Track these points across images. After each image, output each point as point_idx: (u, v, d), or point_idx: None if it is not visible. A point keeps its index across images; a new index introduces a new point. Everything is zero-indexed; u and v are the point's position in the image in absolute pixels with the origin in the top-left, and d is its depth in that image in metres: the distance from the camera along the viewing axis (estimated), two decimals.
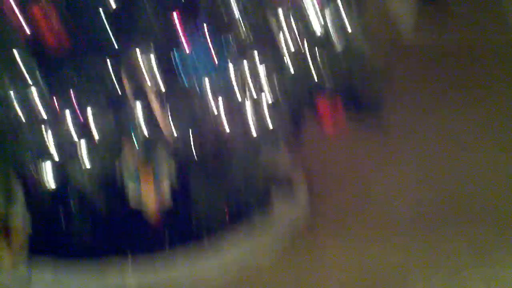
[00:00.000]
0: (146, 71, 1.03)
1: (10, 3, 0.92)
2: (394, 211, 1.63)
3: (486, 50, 2.64)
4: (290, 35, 1.18)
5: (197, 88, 1.11)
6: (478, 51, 2.64)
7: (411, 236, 1.53)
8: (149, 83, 1.03)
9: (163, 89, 1.05)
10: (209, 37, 1.10)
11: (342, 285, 1.38)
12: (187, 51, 1.08)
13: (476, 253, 1.47)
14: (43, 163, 1.02)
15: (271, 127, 1.19)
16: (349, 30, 1.23)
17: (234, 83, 1.15)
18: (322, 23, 1.20)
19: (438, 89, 2.32)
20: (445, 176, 1.77)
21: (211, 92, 1.12)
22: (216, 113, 1.14)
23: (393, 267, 1.43)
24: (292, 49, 1.18)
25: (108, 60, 1.00)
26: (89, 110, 1.02)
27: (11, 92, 0.97)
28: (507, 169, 1.81)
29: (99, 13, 0.97)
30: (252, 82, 1.15)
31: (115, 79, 1.02)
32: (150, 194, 1.24)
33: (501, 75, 2.38)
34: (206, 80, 1.11)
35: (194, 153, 1.14)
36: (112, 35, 0.98)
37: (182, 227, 1.39)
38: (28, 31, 0.94)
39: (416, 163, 1.85)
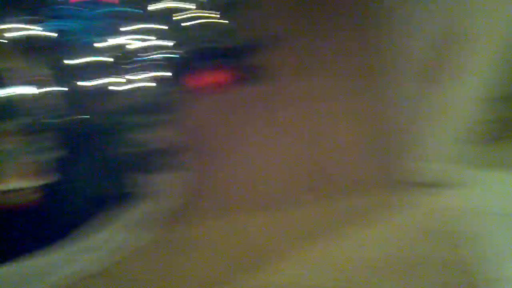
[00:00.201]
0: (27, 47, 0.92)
1: None
2: (272, 183, 1.60)
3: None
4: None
5: (78, 61, 1.02)
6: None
7: (286, 206, 1.52)
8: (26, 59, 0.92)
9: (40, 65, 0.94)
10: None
11: (224, 259, 1.33)
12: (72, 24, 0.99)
13: (346, 218, 1.48)
14: None
15: (154, 100, 1.13)
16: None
17: (118, 55, 1.07)
18: None
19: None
20: (317, 147, 1.76)
21: (92, 66, 1.03)
22: (98, 88, 1.06)
23: (272, 238, 1.40)
24: (177, 18, 1.12)
25: None
26: None
27: None
28: (373, 139, 1.82)
29: None
30: (135, 54, 1.07)
31: None
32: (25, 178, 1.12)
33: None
34: (88, 52, 1.03)
35: (74, 133, 1.05)
36: None
37: (63, 209, 1.27)
38: None
39: (293, 136, 1.82)
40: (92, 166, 1.18)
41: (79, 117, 1.02)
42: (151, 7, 1.07)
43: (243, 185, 1.63)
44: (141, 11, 1.07)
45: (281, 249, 1.39)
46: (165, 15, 1.09)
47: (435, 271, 1.36)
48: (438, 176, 1.65)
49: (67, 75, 0.98)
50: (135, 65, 1.08)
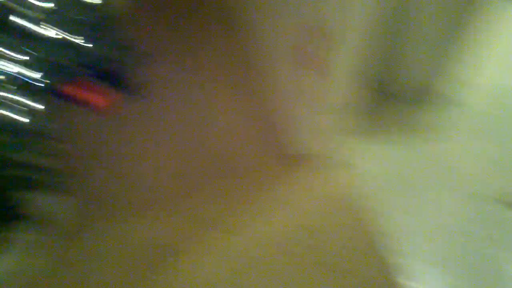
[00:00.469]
0: None
1: None
2: (160, 186, 1.62)
3: None
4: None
5: None
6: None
7: (178, 206, 1.54)
8: None
9: None
10: None
11: (123, 268, 1.33)
12: None
13: (244, 202, 1.55)
14: None
15: (35, 115, 1.07)
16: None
17: None
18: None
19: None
20: (205, 141, 1.80)
21: None
22: None
23: (172, 237, 1.43)
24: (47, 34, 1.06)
25: None
26: None
27: None
28: (254, 129, 1.90)
29: None
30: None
31: None
32: None
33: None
34: None
35: None
36: None
37: None
38: None
39: (174, 134, 1.84)
40: None
41: None
42: (10, 33, 0.99)
43: (138, 190, 1.59)
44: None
45: (183, 247, 1.40)
46: (27, 41, 1.01)
47: (339, 243, 1.46)
48: (326, 148, 1.76)
49: None
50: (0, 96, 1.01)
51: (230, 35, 2.27)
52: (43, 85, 1.08)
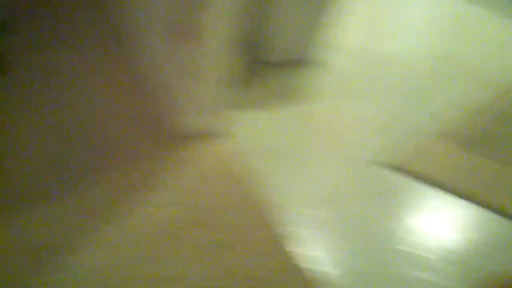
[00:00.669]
0: None
1: None
2: (36, 176, 1.47)
3: None
4: None
5: None
6: None
7: (57, 198, 1.43)
8: None
9: None
10: None
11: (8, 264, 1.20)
12: None
13: (133, 187, 1.50)
14: None
15: None
16: None
17: None
18: None
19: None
20: (86, 124, 1.68)
21: None
22: None
23: (49, 236, 1.31)
24: None
25: None
26: None
27: None
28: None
29: None
30: None
31: None
32: None
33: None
34: None
35: None
36: None
37: None
38: None
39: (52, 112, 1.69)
40: None
41: None
42: None
43: (10, 182, 1.41)
44: None
45: (67, 242, 1.27)
46: None
47: (230, 218, 1.43)
48: (208, 122, 1.72)
49: None
50: None
51: (101, 8, 2.09)
52: None
